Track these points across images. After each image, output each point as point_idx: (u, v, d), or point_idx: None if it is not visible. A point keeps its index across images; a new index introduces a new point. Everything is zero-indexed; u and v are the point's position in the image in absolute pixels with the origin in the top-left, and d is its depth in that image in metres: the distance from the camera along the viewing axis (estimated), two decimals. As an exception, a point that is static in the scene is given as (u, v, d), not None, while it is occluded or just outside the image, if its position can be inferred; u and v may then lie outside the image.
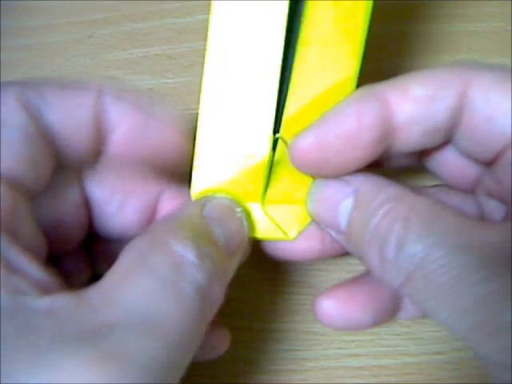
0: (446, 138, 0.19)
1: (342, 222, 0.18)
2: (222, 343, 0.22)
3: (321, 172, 0.19)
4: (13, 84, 0.17)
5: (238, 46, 0.19)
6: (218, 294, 0.17)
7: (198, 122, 0.19)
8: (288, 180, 0.20)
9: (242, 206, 0.20)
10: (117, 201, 0.20)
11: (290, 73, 0.19)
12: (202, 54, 0.28)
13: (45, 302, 0.14)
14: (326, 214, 0.19)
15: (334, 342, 0.25)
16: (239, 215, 0.19)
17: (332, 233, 0.19)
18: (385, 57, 0.28)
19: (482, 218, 0.20)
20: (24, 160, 0.16)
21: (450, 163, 0.20)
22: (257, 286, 0.25)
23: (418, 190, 0.18)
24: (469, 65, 0.18)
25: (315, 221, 0.20)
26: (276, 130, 0.20)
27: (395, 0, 0.29)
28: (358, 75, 0.19)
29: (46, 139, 0.17)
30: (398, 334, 0.25)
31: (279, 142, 0.20)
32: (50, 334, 0.13)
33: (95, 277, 0.21)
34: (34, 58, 0.29)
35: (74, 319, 0.14)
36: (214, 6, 0.18)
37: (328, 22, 0.19)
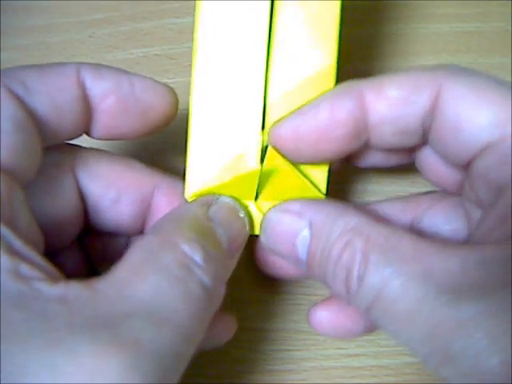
0: (423, 140, 0.19)
1: (302, 255, 0.18)
2: (228, 330, 0.22)
3: (299, 159, 0.19)
4: None
5: (224, 46, 0.19)
6: (221, 293, 0.18)
7: (189, 125, 0.19)
8: (280, 177, 0.20)
9: (244, 208, 0.20)
10: (111, 195, 0.20)
11: (267, 71, 0.20)
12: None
13: (58, 290, 0.14)
14: (284, 249, 0.19)
15: (333, 341, 0.25)
16: (242, 216, 0.20)
17: (292, 264, 0.19)
18: (384, 57, 0.28)
19: (470, 225, 0.20)
20: (14, 149, 0.16)
21: (433, 165, 0.20)
22: (255, 287, 0.25)
23: (376, 216, 0.18)
24: (446, 69, 0.17)
25: (272, 254, 0.20)
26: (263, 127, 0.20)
27: (396, 0, 0.29)
28: (336, 71, 0.20)
29: (34, 126, 0.17)
30: (397, 334, 0.25)
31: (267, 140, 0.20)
32: (65, 322, 0.14)
33: (90, 272, 0.21)
34: (34, 57, 0.29)
35: (88, 308, 0.14)
36: (201, 6, 0.19)
37: (298, 21, 0.19)
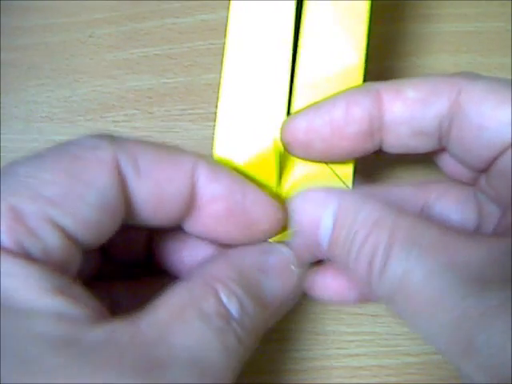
0: (440, 145, 0.19)
1: (325, 236, 0.18)
2: None
3: (309, 156, 0.19)
4: (108, 140, 0.17)
5: (252, 42, 0.20)
6: (255, 342, 0.18)
7: (217, 115, 0.20)
8: (304, 165, 0.20)
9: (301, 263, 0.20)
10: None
11: (295, 65, 0.20)
12: (201, 53, 0.28)
13: (102, 332, 0.14)
14: (309, 225, 0.19)
15: (334, 342, 0.25)
16: (295, 271, 0.19)
17: (314, 248, 0.19)
18: (384, 57, 0.28)
19: (480, 216, 0.20)
20: (90, 224, 0.16)
21: (449, 165, 0.20)
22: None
23: (400, 207, 0.18)
24: (464, 75, 0.18)
25: (297, 231, 0.20)
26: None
27: (395, 0, 0.29)
28: (364, 66, 0.20)
29: (121, 208, 0.17)
30: (398, 334, 0.25)
31: None
32: (111, 364, 0.14)
33: (104, 261, 0.21)
34: (33, 57, 0.29)
35: (131, 351, 0.14)
36: (233, 5, 0.20)
37: (328, 17, 0.20)
